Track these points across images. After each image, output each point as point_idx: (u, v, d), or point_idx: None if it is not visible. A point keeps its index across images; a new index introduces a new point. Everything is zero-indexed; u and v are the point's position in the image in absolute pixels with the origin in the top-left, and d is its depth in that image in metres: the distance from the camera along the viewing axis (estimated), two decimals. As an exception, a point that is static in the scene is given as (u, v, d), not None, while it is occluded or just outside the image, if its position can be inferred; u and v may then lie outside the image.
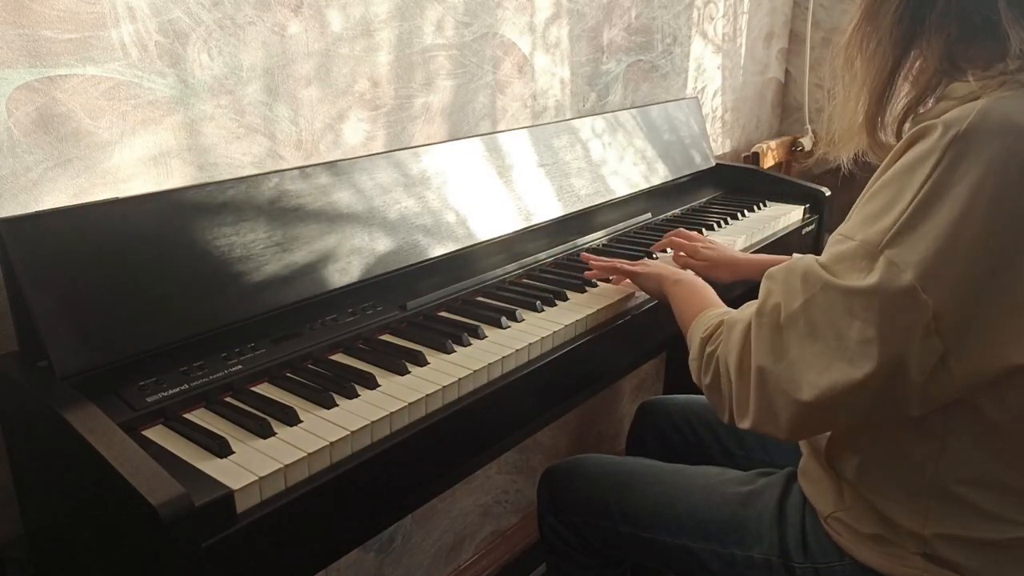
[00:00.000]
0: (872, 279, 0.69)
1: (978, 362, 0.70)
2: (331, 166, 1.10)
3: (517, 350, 1.00)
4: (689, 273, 1.10)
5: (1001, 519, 0.77)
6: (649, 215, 1.62)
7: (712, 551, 0.98)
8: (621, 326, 1.15)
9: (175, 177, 1.03)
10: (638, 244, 1.44)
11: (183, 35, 1.01)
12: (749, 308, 0.82)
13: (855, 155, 0.86)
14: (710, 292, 1.02)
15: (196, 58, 1.02)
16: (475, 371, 0.94)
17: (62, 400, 0.76)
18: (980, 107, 0.68)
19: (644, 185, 1.65)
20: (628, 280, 1.18)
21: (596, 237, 1.46)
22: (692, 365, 0.89)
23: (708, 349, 0.85)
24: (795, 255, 0.80)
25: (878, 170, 0.76)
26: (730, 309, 0.92)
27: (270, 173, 1.03)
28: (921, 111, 0.78)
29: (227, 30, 1.05)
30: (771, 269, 0.81)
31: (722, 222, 1.60)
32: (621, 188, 1.58)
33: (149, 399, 0.82)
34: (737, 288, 1.43)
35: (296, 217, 1.03)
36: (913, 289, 0.67)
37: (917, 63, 0.77)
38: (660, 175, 1.71)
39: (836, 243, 0.75)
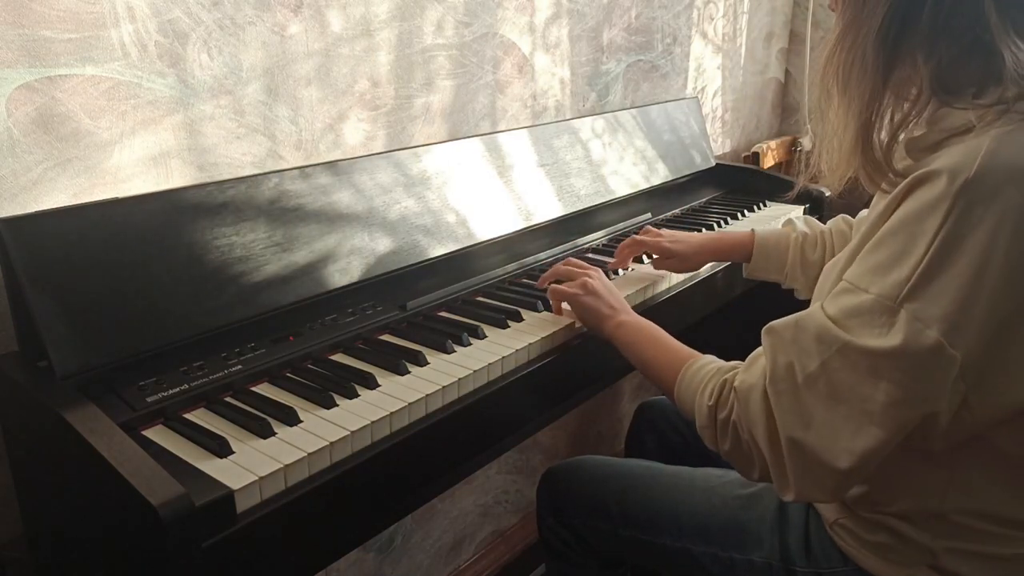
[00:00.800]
0: (896, 339, 0.66)
1: (996, 400, 0.69)
2: (331, 166, 1.10)
3: (517, 350, 0.99)
4: (627, 310, 1.00)
5: (1007, 537, 0.77)
6: (649, 215, 1.62)
7: (712, 554, 0.97)
8: (621, 326, 1.15)
9: (175, 177, 1.03)
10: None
11: (183, 35, 1.01)
12: (756, 367, 0.78)
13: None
14: (663, 333, 0.95)
15: (196, 58, 1.02)
16: (475, 371, 0.94)
17: (62, 400, 0.76)
18: (986, 149, 0.65)
19: (644, 185, 1.65)
20: (566, 304, 1.07)
21: (596, 237, 1.46)
22: (704, 433, 0.83)
23: (721, 416, 0.80)
24: (800, 314, 0.75)
25: (875, 213, 0.73)
26: (714, 359, 0.87)
27: (270, 173, 1.03)
28: (916, 133, 0.74)
29: (227, 30, 1.05)
30: (772, 324, 0.77)
31: (722, 222, 1.60)
32: (621, 188, 1.58)
33: (149, 399, 0.82)
34: (738, 288, 1.43)
35: (296, 217, 1.03)
36: (940, 345, 0.65)
37: (904, 83, 0.73)
38: (660, 175, 1.71)
39: (846, 293, 0.71)
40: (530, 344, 1.01)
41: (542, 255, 1.34)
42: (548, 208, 1.40)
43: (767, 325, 0.78)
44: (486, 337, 1.03)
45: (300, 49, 1.14)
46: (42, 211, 0.86)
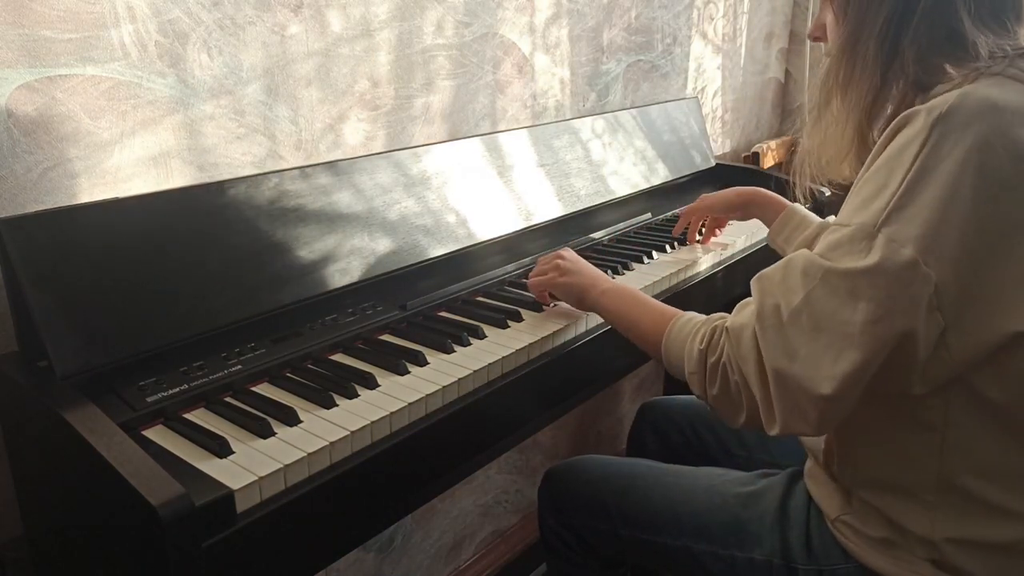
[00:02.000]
0: (873, 258, 0.70)
1: (976, 335, 0.71)
2: (331, 166, 1.10)
3: (517, 350, 0.99)
4: (606, 279, 1.05)
5: (1010, 514, 0.77)
6: (649, 215, 1.61)
7: (713, 553, 0.97)
8: (621, 326, 1.15)
9: (175, 177, 1.03)
10: (638, 244, 1.44)
11: (183, 35, 1.01)
12: (747, 310, 0.81)
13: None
14: (647, 296, 1.00)
15: (196, 58, 1.02)
16: (475, 371, 0.94)
17: (62, 400, 0.76)
18: (961, 91, 0.71)
19: (644, 185, 1.65)
20: (547, 294, 1.11)
21: (596, 237, 1.46)
22: (692, 379, 0.86)
23: (711, 360, 0.83)
24: (787, 256, 0.80)
25: (866, 162, 0.77)
26: (696, 314, 0.91)
27: (270, 173, 1.03)
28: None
29: (227, 30, 1.05)
30: (762, 272, 0.81)
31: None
32: (621, 188, 1.58)
33: (149, 399, 0.82)
34: (737, 288, 1.43)
35: (296, 217, 1.03)
36: (915, 262, 0.69)
37: (897, 83, 0.80)
38: (660, 175, 1.71)
39: (831, 233, 0.75)
40: (530, 344, 1.01)
41: (542, 255, 1.33)
42: (548, 208, 1.40)
43: (757, 275, 0.81)
44: (486, 337, 1.03)
45: (300, 49, 1.14)
46: (42, 211, 0.86)
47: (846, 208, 0.76)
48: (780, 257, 0.87)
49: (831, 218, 1.24)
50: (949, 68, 0.76)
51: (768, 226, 1.26)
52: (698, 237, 1.44)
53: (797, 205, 1.24)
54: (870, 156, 0.77)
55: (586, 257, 1.35)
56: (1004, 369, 0.74)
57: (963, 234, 0.69)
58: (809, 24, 2.38)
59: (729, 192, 1.35)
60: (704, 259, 1.38)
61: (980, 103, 0.70)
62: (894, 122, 0.74)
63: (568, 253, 1.12)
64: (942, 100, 0.71)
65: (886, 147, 0.74)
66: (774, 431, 0.78)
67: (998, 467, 0.77)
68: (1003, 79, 0.73)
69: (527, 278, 1.15)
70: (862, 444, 0.84)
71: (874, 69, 0.79)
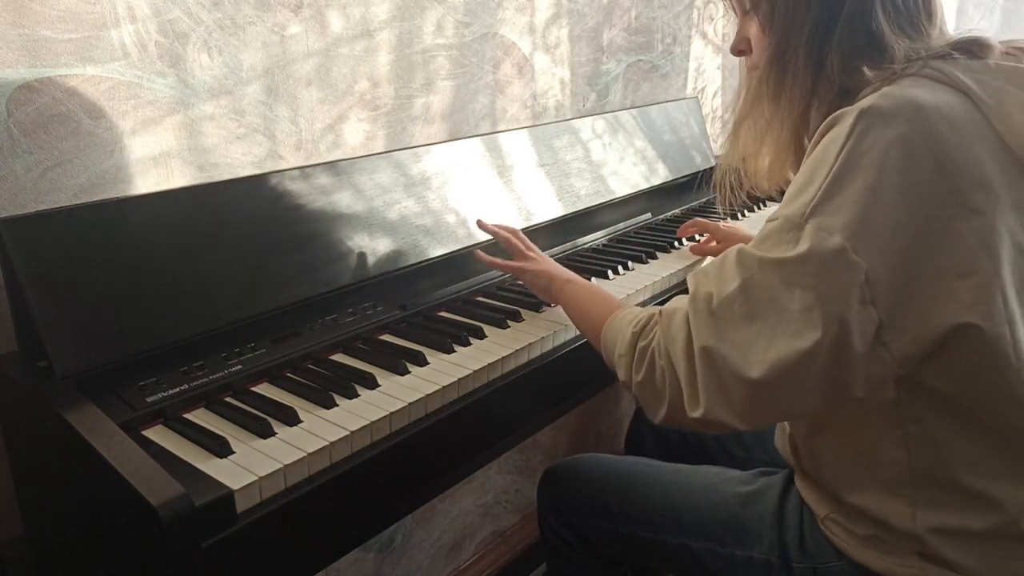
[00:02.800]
0: (803, 247, 0.71)
1: (913, 331, 0.71)
2: (331, 166, 1.10)
3: (517, 350, 1.00)
4: (571, 274, 1.07)
5: (986, 500, 0.77)
6: (649, 215, 1.62)
7: (712, 551, 0.98)
8: (621, 326, 1.15)
9: (175, 177, 1.03)
10: (638, 244, 1.44)
11: (183, 35, 1.01)
12: (682, 299, 0.82)
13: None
14: (608, 293, 1.02)
15: (196, 58, 1.03)
16: (475, 371, 0.94)
17: (62, 400, 0.76)
18: (883, 91, 0.74)
19: (644, 185, 1.65)
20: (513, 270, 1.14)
21: (596, 237, 1.46)
22: (620, 362, 0.86)
23: (641, 344, 0.84)
24: (723, 252, 0.83)
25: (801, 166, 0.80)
26: (646, 308, 0.91)
27: (270, 173, 1.03)
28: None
29: (227, 30, 1.05)
30: (697, 268, 0.83)
31: (722, 222, 1.60)
32: (621, 188, 1.58)
33: (149, 399, 0.82)
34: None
35: (296, 217, 1.03)
36: (843, 249, 0.69)
37: (827, 86, 0.82)
38: (660, 175, 1.71)
39: (763, 227, 0.77)
40: (530, 344, 1.01)
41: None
42: (548, 208, 1.40)
43: (695, 270, 0.84)
44: (486, 337, 1.03)
45: (300, 49, 1.14)
46: (42, 211, 0.86)
47: (779, 205, 0.78)
48: None
49: None
50: (868, 72, 0.79)
51: None
52: (687, 242, 1.46)
53: None
54: (806, 154, 0.79)
55: (586, 257, 1.35)
56: (948, 362, 0.73)
57: (891, 225, 0.70)
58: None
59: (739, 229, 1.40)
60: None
61: (900, 100, 0.72)
62: (823, 124, 0.76)
63: (537, 250, 1.15)
64: (866, 100, 0.73)
65: (814, 147, 0.76)
66: (696, 413, 0.77)
67: (966, 455, 0.77)
68: (919, 79, 0.75)
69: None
70: (828, 445, 0.85)
71: (804, 76, 0.82)
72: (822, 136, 0.76)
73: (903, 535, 0.81)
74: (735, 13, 0.90)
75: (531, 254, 1.14)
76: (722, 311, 0.76)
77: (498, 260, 1.15)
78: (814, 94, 0.83)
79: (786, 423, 0.95)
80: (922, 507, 0.79)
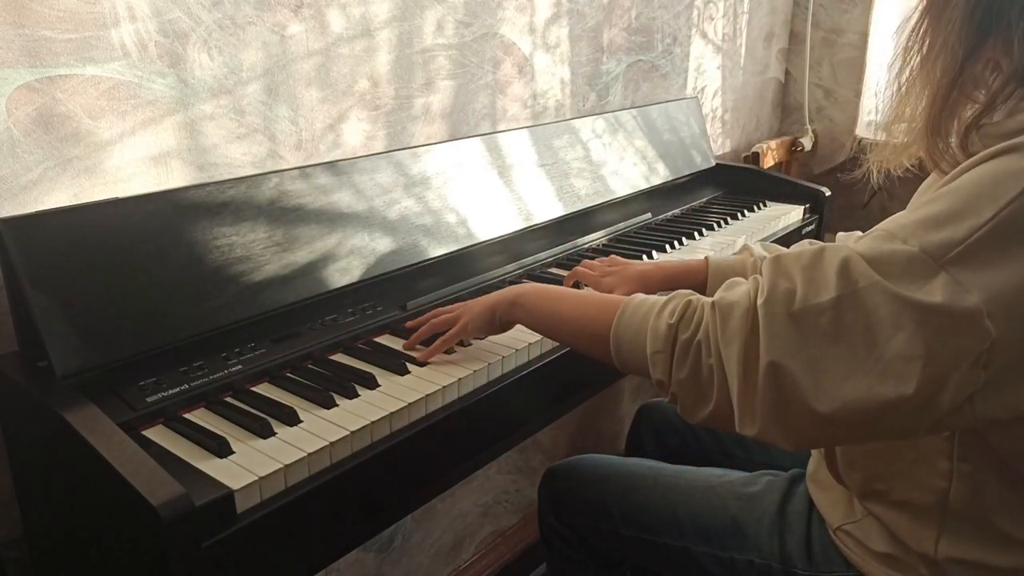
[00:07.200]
0: (936, 296, 0.61)
1: (1008, 399, 0.65)
2: (331, 166, 1.10)
3: (518, 350, 1.00)
4: (527, 289, 0.93)
5: (1014, 540, 0.75)
6: (649, 215, 1.62)
7: (712, 554, 0.97)
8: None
9: (175, 177, 1.03)
10: (638, 244, 1.44)
11: (183, 35, 1.01)
12: (739, 288, 0.72)
13: (888, 170, 0.80)
14: (574, 289, 0.92)
15: (196, 58, 1.02)
16: (475, 371, 0.94)
17: (62, 400, 0.76)
18: None
19: (644, 185, 1.65)
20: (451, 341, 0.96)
21: (596, 237, 1.46)
22: (656, 360, 0.74)
23: (683, 337, 0.72)
24: (805, 241, 0.72)
25: (951, 173, 0.68)
26: (659, 297, 0.79)
27: (270, 173, 1.03)
28: (993, 120, 0.70)
29: (227, 30, 1.05)
30: (779, 255, 0.71)
31: (722, 222, 1.60)
32: (621, 188, 1.58)
33: (149, 399, 0.82)
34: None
35: (296, 217, 1.03)
36: (978, 313, 0.60)
37: (989, 66, 0.68)
38: (660, 175, 1.71)
39: (883, 240, 0.65)
40: (530, 344, 1.01)
41: (542, 255, 1.34)
42: (548, 208, 1.40)
43: (775, 255, 0.71)
44: (487, 337, 1.03)
45: (300, 49, 1.14)
46: (42, 211, 0.86)
47: (906, 217, 0.66)
48: None
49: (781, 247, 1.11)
50: None
51: (701, 291, 1.09)
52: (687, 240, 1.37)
53: (711, 255, 1.13)
54: (958, 167, 0.67)
55: (586, 258, 1.35)
56: (1020, 432, 0.70)
57: None
58: (809, 23, 2.38)
59: (628, 274, 1.14)
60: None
61: None
62: (1002, 144, 0.63)
63: (452, 306, 1.01)
64: None
65: (976, 165, 0.64)
66: (749, 431, 0.68)
67: (1007, 504, 0.75)
68: None
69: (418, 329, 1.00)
70: (869, 451, 0.81)
71: (955, 55, 0.67)
72: (991, 157, 0.63)
73: (921, 559, 0.79)
74: None
75: (456, 310, 0.99)
76: (805, 320, 0.65)
77: (434, 345, 0.96)
78: (964, 72, 0.68)
79: None
80: (948, 535, 0.77)
